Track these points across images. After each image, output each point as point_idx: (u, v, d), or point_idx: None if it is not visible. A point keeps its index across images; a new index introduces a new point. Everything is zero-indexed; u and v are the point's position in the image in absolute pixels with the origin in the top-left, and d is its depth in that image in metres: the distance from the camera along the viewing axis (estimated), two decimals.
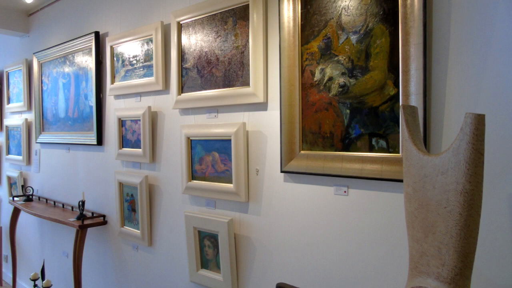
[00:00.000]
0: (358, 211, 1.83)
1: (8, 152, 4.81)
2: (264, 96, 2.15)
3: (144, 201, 2.87)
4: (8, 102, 4.82)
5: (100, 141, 3.36)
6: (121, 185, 3.05)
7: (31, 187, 4.26)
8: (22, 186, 4.38)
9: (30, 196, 4.21)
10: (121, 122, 3.05)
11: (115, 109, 3.15)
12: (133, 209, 3.03)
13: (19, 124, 4.51)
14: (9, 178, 4.77)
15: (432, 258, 1.17)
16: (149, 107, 2.83)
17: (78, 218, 3.23)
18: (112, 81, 3.15)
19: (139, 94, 2.99)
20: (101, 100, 3.37)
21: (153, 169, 2.90)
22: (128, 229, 3.06)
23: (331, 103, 1.85)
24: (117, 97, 3.19)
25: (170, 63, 2.68)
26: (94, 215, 3.38)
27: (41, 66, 4.11)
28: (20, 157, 4.53)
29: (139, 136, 2.93)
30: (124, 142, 3.06)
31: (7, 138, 4.82)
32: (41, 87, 4.12)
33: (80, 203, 3.27)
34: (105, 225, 3.34)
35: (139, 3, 3.00)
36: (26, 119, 4.43)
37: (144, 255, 3.02)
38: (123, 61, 3.05)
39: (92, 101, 3.39)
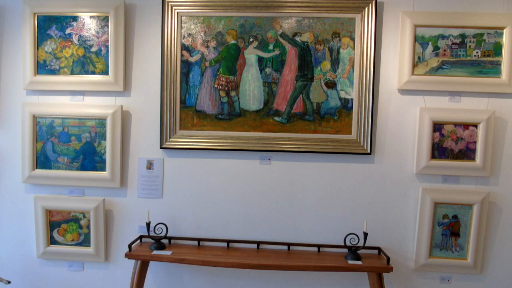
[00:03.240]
0: None
1: (37, 165, 2.63)
2: None
3: (477, 222, 2.46)
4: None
5: (372, 148, 2.50)
6: (435, 205, 2.46)
7: (164, 225, 2.56)
8: (148, 224, 2.65)
9: (160, 240, 2.52)
10: (434, 127, 2.45)
11: (422, 108, 2.46)
12: (453, 234, 2.47)
13: (101, 114, 2.58)
14: (48, 212, 2.63)
15: None
16: (494, 112, 2.43)
17: (355, 258, 2.36)
18: (412, 71, 2.44)
19: (458, 94, 2.48)
20: (374, 93, 2.48)
21: (487, 183, 2.50)
22: (439, 258, 2.49)
23: None
24: (414, 92, 2.49)
25: None
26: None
27: (180, 19, 2.54)
28: (97, 174, 2.60)
29: (468, 145, 2.45)
30: (434, 151, 2.46)
31: (36, 137, 2.62)
32: (180, 53, 2.55)
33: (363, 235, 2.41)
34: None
35: None
36: (122, 107, 2.59)
37: (466, 285, 2.55)
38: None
39: (351, 92, 2.48)
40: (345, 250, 2.48)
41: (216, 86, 2.54)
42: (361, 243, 2.44)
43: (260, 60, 2.52)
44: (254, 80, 2.53)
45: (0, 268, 2.73)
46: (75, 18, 2.58)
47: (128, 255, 2.39)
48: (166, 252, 2.41)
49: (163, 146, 2.57)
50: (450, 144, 2.46)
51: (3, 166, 2.70)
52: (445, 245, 2.49)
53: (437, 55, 2.45)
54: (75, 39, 2.59)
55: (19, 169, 2.65)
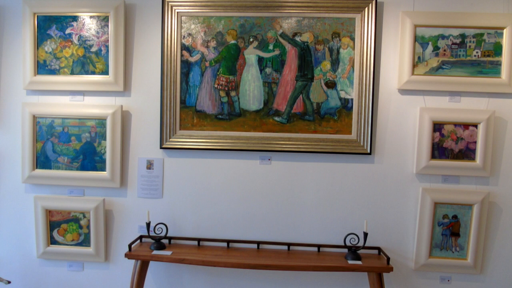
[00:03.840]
0: None
1: (37, 165, 2.63)
2: None
3: (477, 222, 2.45)
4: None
5: (372, 148, 2.50)
6: (435, 205, 2.47)
7: (164, 225, 2.56)
8: (148, 224, 2.65)
9: (160, 240, 2.52)
10: (434, 127, 2.45)
11: (422, 108, 2.45)
12: (453, 234, 2.46)
13: (101, 114, 2.57)
14: (48, 212, 2.63)
15: None
16: (494, 112, 2.43)
17: (355, 258, 2.37)
18: (412, 71, 2.45)
19: (458, 94, 2.48)
20: (374, 93, 2.49)
21: (487, 183, 2.50)
22: (439, 258, 2.49)
23: None
24: (414, 92, 2.50)
25: None
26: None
27: (180, 19, 2.54)
28: (97, 174, 2.60)
29: (468, 145, 2.46)
30: (434, 151, 2.46)
31: (36, 137, 2.62)
32: (180, 53, 2.55)
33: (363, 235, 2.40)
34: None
35: None
36: (122, 107, 2.59)
37: (466, 285, 2.54)
38: (435, 47, 2.44)
39: (351, 92, 2.49)
40: (345, 250, 2.48)
41: (216, 86, 2.54)
42: (361, 243, 2.44)
43: (260, 60, 2.52)
44: (254, 80, 2.53)
45: (0, 268, 2.73)
46: (75, 18, 2.58)
47: (128, 255, 2.38)
48: (166, 252, 2.41)
49: (163, 146, 2.57)
50: (450, 144, 2.46)
51: (3, 166, 2.70)
52: (445, 245, 2.49)
53: (437, 55, 2.45)
54: (75, 39, 2.59)
55: (19, 169, 2.65)
